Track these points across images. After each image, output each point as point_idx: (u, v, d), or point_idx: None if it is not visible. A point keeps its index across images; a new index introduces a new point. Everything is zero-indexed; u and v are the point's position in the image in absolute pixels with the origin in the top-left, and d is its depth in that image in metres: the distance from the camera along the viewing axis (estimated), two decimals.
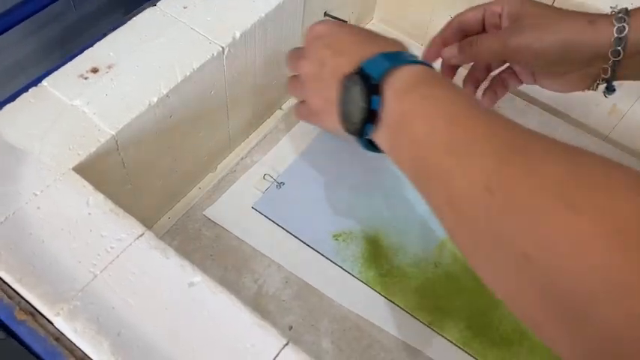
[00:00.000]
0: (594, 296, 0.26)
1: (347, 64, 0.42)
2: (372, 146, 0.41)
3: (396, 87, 0.39)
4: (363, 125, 0.40)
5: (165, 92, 0.44)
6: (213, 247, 0.52)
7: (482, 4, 0.49)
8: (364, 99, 0.39)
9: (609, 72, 0.45)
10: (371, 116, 0.39)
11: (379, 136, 0.40)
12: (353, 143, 0.43)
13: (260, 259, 0.52)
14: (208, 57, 0.47)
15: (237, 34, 0.48)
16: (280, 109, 0.63)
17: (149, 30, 0.47)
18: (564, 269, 0.27)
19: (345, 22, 0.53)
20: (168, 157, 0.49)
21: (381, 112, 0.39)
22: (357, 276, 0.51)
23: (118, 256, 0.37)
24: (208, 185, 0.56)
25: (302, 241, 0.53)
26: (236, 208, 0.55)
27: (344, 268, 0.52)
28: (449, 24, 0.51)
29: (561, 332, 0.27)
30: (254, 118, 0.59)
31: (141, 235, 0.38)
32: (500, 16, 0.48)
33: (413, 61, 0.40)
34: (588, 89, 0.47)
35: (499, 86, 0.52)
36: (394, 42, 0.45)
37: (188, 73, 0.45)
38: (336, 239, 0.53)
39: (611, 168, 0.29)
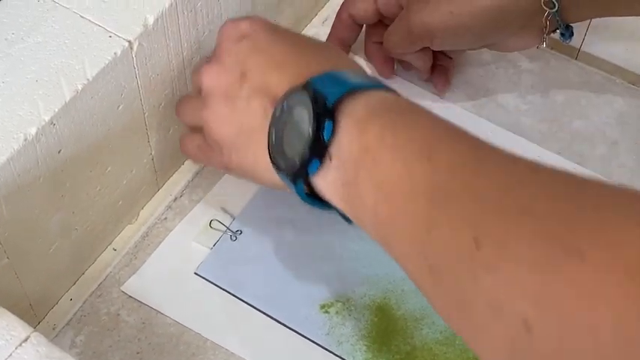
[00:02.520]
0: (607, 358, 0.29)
1: (282, 79, 0.46)
2: (310, 195, 0.45)
3: (356, 114, 0.43)
4: (306, 162, 0.43)
5: (47, 118, 0.46)
6: (140, 339, 0.53)
7: None
8: (313, 125, 0.42)
9: (554, 23, 0.55)
10: (318, 150, 0.43)
11: (325, 178, 0.44)
12: (297, 206, 0.47)
13: (212, 353, 0.53)
14: (109, 58, 0.48)
15: (151, 20, 0.50)
16: None
17: (17, 25, 0.49)
18: (571, 333, 0.30)
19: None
20: (63, 211, 0.51)
21: (332, 145, 0.43)
22: None
23: None
24: (127, 244, 0.58)
25: (274, 319, 0.55)
26: (170, 276, 0.56)
27: (341, 355, 0.53)
28: (340, 20, 0.63)
29: None
30: None
31: (25, 340, 0.39)
32: (397, 5, 0.59)
33: (374, 85, 0.45)
34: (540, 45, 0.59)
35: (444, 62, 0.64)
36: (344, 58, 0.50)
37: (80, 86, 0.47)
38: (326, 311, 0.55)
39: (619, 197, 0.33)
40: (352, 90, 0.44)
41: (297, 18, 0.69)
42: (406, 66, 0.66)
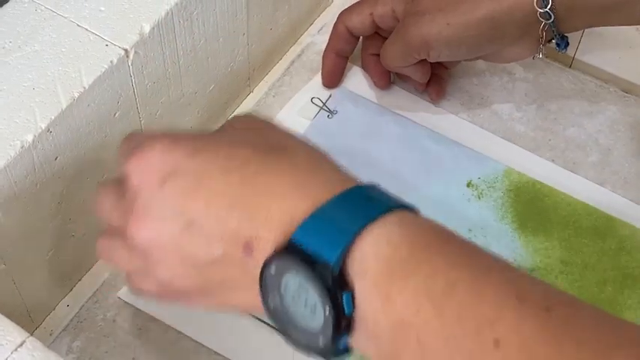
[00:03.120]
0: None
1: (243, 220, 0.36)
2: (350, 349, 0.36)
3: (366, 268, 0.34)
4: (332, 342, 0.35)
5: (44, 126, 0.46)
6: (136, 345, 0.54)
7: (368, 9, 0.62)
8: (326, 303, 0.34)
9: (550, 33, 0.57)
10: (345, 326, 0.34)
11: (359, 344, 0.35)
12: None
13: (207, 359, 0.54)
14: (105, 66, 0.49)
15: (147, 28, 0.50)
16: None
17: (15, 33, 0.50)
18: None
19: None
20: (59, 217, 0.51)
21: (354, 314, 0.34)
22: None
23: None
24: None
25: (269, 325, 0.55)
26: None
27: None
28: (336, 32, 0.64)
29: None
30: None
31: (20, 345, 0.40)
32: (393, 17, 0.60)
33: (379, 205, 0.36)
34: (535, 55, 0.59)
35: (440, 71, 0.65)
36: (321, 159, 0.40)
37: (77, 94, 0.48)
38: None
39: None
40: (361, 230, 0.35)
41: (293, 27, 0.69)
42: (404, 78, 0.67)
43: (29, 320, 0.54)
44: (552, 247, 0.59)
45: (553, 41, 0.59)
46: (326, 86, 0.67)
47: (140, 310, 0.55)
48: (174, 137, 0.40)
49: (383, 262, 0.34)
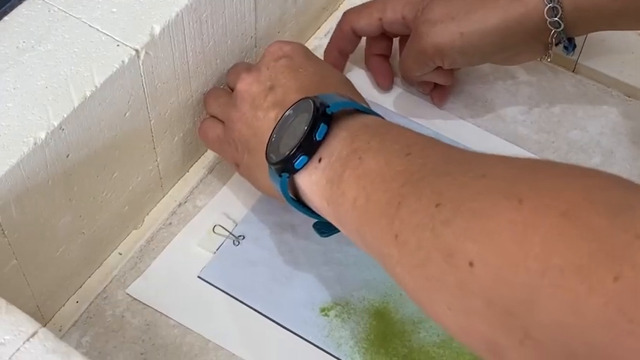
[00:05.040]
0: (537, 295, 0.33)
1: (299, 98, 0.51)
2: (291, 196, 0.50)
3: (351, 127, 0.48)
4: (295, 156, 0.48)
5: (56, 123, 0.47)
6: (144, 340, 0.55)
7: (376, 13, 0.64)
8: (309, 125, 0.47)
9: (558, 38, 0.58)
10: (309, 148, 0.48)
11: (310, 177, 0.48)
12: (271, 199, 0.54)
13: (214, 354, 0.54)
14: (117, 66, 0.50)
15: (157, 30, 0.52)
16: None
17: (28, 33, 0.51)
18: (503, 270, 0.34)
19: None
20: (70, 214, 0.53)
21: (323, 148, 0.48)
22: None
23: None
24: (132, 249, 0.59)
25: (274, 321, 0.56)
26: (174, 279, 0.58)
27: (340, 357, 0.55)
28: (341, 31, 0.66)
29: (521, 351, 0.35)
30: (194, 143, 0.63)
31: (33, 335, 0.41)
32: (403, 25, 0.63)
33: (374, 113, 0.51)
34: (542, 59, 0.61)
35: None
36: (357, 93, 0.56)
37: (89, 93, 0.49)
38: (326, 314, 0.56)
39: (566, 164, 0.39)
40: (352, 108, 0.50)
41: (301, 30, 0.70)
42: (410, 82, 0.68)
43: (39, 316, 0.55)
44: None
45: (561, 44, 0.60)
46: None
47: (148, 305, 0.56)
48: (303, 46, 0.58)
49: (364, 124, 0.48)
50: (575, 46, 0.60)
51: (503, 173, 0.39)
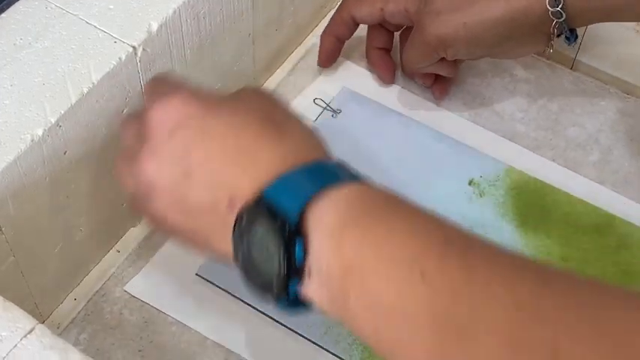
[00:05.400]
0: None
1: (234, 176, 0.41)
2: (301, 303, 0.41)
3: (326, 224, 0.38)
4: (283, 284, 0.39)
5: (54, 120, 0.47)
6: (142, 338, 0.55)
7: (379, 3, 0.63)
8: (280, 249, 0.38)
9: (560, 29, 0.58)
10: (293, 270, 0.39)
11: (310, 291, 0.39)
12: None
13: (212, 352, 0.54)
14: (114, 63, 0.50)
15: (155, 26, 0.52)
16: None
17: (26, 30, 0.51)
18: None
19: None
20: (68, 211, 0.53)
21: (308, 261, 0.39)
22: None
23: None
24: (130, 246, 0.59)
25: (272, 318, 0.56)
26: (172, 277, 0.58)
27: (338, 354, 0.55)
28: (340, 17, 0.65)
29: None
30: None
31: (30, 332, 0.41)
32: (405, 16, 0.62)
33: (337, 177, 0.40)
34: (544, 50, 0.61)
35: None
36: (308, 135, 0.45)
37: (86, 90, 0.49)
38: None
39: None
40: (319, 191, 0.40)
41: (298, 28, 0.71)
42: (410, 76, 0.68)
43: (37, 313, 0.55)
44: (552, 244, 0.59)
45: (562, 35, 0.60)
46: (321, 67, 0.69)
47: (146, 303, 0.56)
48: (193, 93, 0.45)
49: (338, 216, 0.39)
50: (577, 36, 0.60)
51: (575, 344, 0.33)
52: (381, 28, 0.66)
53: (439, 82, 0.67)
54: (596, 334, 0.32)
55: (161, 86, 0.48)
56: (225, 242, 0.42)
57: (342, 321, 0.39)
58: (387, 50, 0.68)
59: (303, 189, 0.40)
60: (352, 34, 0.67)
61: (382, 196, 0.41)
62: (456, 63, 0.64)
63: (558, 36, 0.59)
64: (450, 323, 0.35)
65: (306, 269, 0.39)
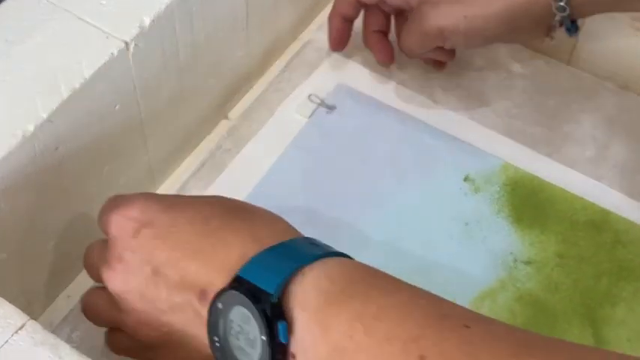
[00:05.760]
0: None
1: (201, 268, 0.40)
2: None
3: (310, 304, 0.37)
4: None
5: (45, 116, 0.47)
6: None
7: None
8: (264, 330, 0.37)
9: (563, 23, 0.57)
10: (278, 353, 0.37)
11: None
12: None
13: None
14: (106, 58, 0.50)
15: (147, 21, 0.51)
16: (226, 118, 0.66)
17: (17, 26, 0.51)
18: None
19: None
20: (60, 207, 0.52)
21: (292, 344, 0.37)
22: None
23: None
24: None
25: None
26: None
27: None
28: None
29: None
30: (186, 137, 0.62)
31: (21, 328, 0.41)
32: (406, 1, 0.61)
33: (309, 254, 0.39)
34: (545, 41, 0.61)
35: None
36: (276, 218, 0.44)
37: (78, 85, 0.48)
38: None
39: None
40: (297, 269, 0.39)
41: (293, 24, 0.70)
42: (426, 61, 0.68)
43: (30, 310, 0.54)
44: (548, 240, 0.59)
45: (563, 26, 0.59)
46: (333, 50, 0.68)
47: None
48: (152, 195, 0.46)
49: (322, 294, 0.37)
50: (577, 28, 0.59)
51: None
52: (379, 11, 0.65)
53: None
54: None
55: (116, 200, 0.46)
56: (202, 336, 0.40)
57: None
58: (385, 33, 0.67)
59: (280, 267, 0.38)
60: (358, 14, 0.66)
61: (365, 270, 0.40)
62: (453, 50, 0.64)
63: (560, 27, 0.59)
64: None
65: (290, 353, 0.37)
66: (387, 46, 0.67)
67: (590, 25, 0.67)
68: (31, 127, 0.47)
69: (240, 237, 0.41)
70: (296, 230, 0.44)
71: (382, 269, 0.41)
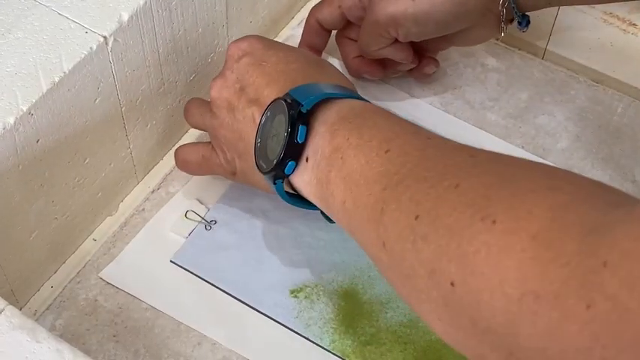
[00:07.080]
0: (517, 320, 0.33)
1: (274, 92, 0.51)
2: (290, 195, 0.50)
3: (328, 120, 0.48)
4: (283, 162, 0.48)
5: (25, 108, 0.48)
6: (117, 323, 0.56)
7: (336, 1, 0.64)
8: (288, 127, 0.48)
9: (510, 12, 0.59)
10: (294, 151, 0.48)
11: (302, 177, 0.49)
12: (270, 196, 0.52)
13: (186, 336, 0.56)
14: (85, 52, 0.51)
15: (125, 17, 0.53)
16: None
17: None
18: (483, 293, 0.34)
19: None
20: (42, 200, 0.53)
21: (308, 147, 0.48)
22: (327, 348, 0.55)
23: None
24: (106, 234, 0.60)
25: (245, 304, 0.57)
26: (147, 264, 0.59)
27: (309, 337, 0.56)
28: (308, 26, 0.66)
29: None
30: (167, 131, 0.64)
31: (0, 312, 0.42)
32: (361, 8, 0.62)
33: (348, 95, 0.50)
34: (500, 36, 0.62)
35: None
36: (339, 75, 0.55)
37: (57, 79, 0.50)
38: (296, 296, 0.57)
39: (535, 170, 0.38)
40: (326, 98, 0.49)
41: (273, 20, 0.71)
42: (391, 66, 0.67)
43: (14, 300, 0.56)
44: None
45: (515, 20, 0.61)
46: None
47: (121, 289, 0.57)
48: (260, 37, 0.58)
49: (339, 116, 0.48)
50: (528, 22, 0.61)
51: (476, 184, 0.38)
52: (348, 40, 0.66)
53: (417, 68, 0.67)
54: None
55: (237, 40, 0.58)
56: (252, 136, 0.52)
57: (322, 201, 0.48)
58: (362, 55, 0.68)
59: (318, 92, 0.49)
60: (326, 42, 0.67)
61: (379, 108, 0.50)
62: (409, 47, 0.64)
63: (511, 21, 0.60)
64: (394, 179, 0.42)
65: (304, 155, 0.48)
66: (371, 63, 0.67)
67: (563, 19, 0.69)
68: (11, 120, 0.48)
69: (307, 74, 0.53)
70: (353, 88, 0.54)
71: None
